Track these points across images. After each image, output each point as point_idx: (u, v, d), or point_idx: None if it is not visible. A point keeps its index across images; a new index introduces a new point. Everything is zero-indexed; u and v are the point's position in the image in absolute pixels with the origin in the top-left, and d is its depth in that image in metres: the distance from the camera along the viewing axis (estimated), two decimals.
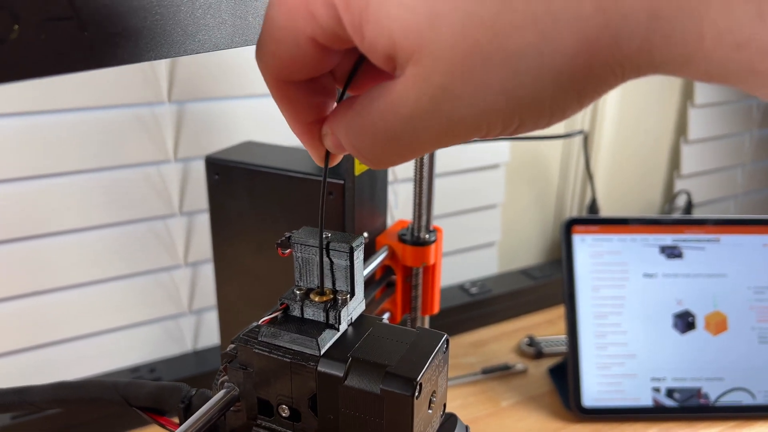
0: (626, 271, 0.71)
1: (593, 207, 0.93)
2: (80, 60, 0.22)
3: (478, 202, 0.87)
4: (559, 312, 0.89)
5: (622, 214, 1.03)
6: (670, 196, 1.06)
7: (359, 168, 0.47)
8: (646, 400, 0.69)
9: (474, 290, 0.87)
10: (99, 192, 0.62)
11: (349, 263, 0.29)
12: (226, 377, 0.30)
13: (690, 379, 0.69)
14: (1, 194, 0.58)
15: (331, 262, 0.30)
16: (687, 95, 1.00)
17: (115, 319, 0.66)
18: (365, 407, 0.27)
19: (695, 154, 1.03)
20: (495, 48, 0.18)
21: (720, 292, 0.71)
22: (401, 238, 0.52)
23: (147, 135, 0.62)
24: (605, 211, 0.99)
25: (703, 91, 0.99)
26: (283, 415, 0.29)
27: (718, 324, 0.71)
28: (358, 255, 0.30)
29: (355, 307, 0.30)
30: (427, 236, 0.52)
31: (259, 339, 0.29)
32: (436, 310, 0.55)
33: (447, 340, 0.30)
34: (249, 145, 0.57)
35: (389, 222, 0.56)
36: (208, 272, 0.69)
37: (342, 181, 0.47)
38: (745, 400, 0.69)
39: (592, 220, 0.73)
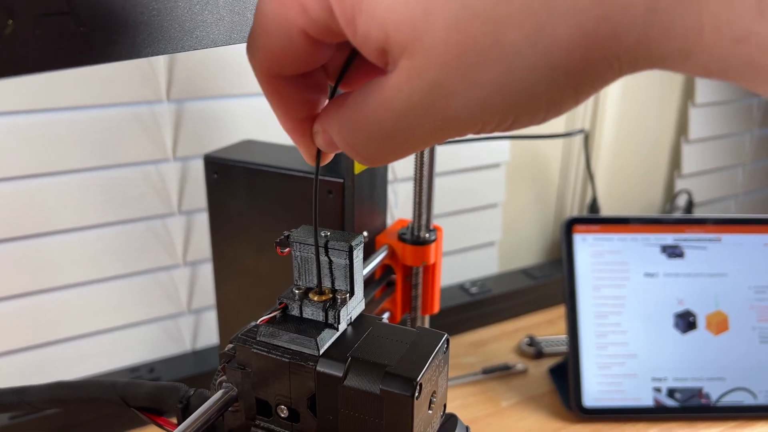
0: (627, 271, 0.71)
1: (594, 206, 0.93)
2: (76, 56, 0.21)
3: (479, 202, 0.86)
4: (559, 312, 0.89)
5: (623, 213, 1.02)
6: (670, 195, 1.06)
7: (359, 167, 0.47)
8: (646, 400, 0.68)
9: (474, 290, 0.86)
10: (98, 191, 0.61)
11: (348, 262, 0.29)
12: (224, 377, 0.30)
13: (691, 379, 0.69)
14: (0, 193, 0.58)
15: (330, 261, 0.29)
16: (688, 94, 1.00)
17: (113, 319, 0.66)
18: (365, 407, 0.27)
19: (696, 153, 1.03)
20: (490, 42, 0.18)
21: (721, 291, 0.71)
22: (401, 237, 0.51)
23: (146, 134, 0.62)
24: (606, 211, 0.99)
25: (703, 91, 0.98)
26: (282, 415, 0.29)
27: (719, 324, 0.70)
28: (358, 254, 0.29)
29: (354, 307, 0.30)
30: (427, 235, 0.51)
31: (258, 339, 0.29)
32: (436, 309, 0.54)
33: (447, 340, 0.29)
34: (248, 144, 0.56)
35: (389, 221, 0.55)
36: (206, 272, 0.69)
37: (341, 180, 0.47)
38: (746, 400, 0.69)
39: (593, 219, 0.72)
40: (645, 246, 0.72)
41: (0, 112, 0.56)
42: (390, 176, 0.76)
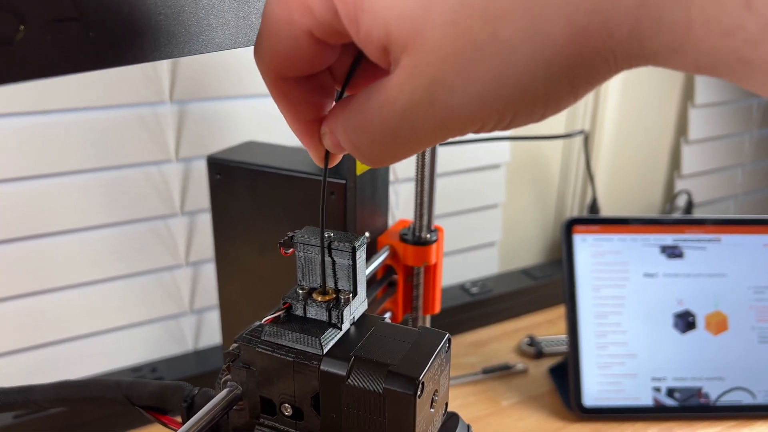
0: (627, 271, 0.72)
1: (594, 207, 0.93)
2: (85, 60, 0.22)
3: (479, 202, 0.87)
4: (559, 312, 0.89)
5: (623, 213, 1.03)
6: (670, 195, 1.06)
7: (361, 168, 0.48)
8: (646, 399, 0.69)
9: (475, 290, 0.87)
10: (101, 192, 0.62)
11: (351, 263, 0.29)
12: (228, 376, 0.31)
13: (690, 378, 0.69)
14: (4, 194, 0.58)
15: (334, 262, 0.30)
16: (687, 95, 1.00)
17: (116, 319, 0.67)
18: (368, 406, 0.27)
19: (695, 154, 1.03)
20: (486, 37, 0.18)
21: (720, 291, 0.71)
22: (403, 238, 0.52)
23: (148, 135, 0.62)
24: (606, 211, 0.99)
25: (703, 91, 0.99)
26: (286, 413, 0.30)
27: (718, 324, 0.71)
28: (361, 254, 0.30)
29: (357, 307, 0.31)
30: (428, 236, 0.52)
31: (262, 338, 0.29)
32: (437, 309, 0.55)
33: (449, 340, 0.30)
34: (250, 145, 0.57)
35: (390, 222, 0.56)
36: (208, 272, 0.70)
37: (344, 181, 0.48)
38: (745, 399, 0.69)
39: (593, 220, 0.73)
40: (645, 246, 0.72)
41: (4, 114, 0.56)
42: (391, 177, 0.76)
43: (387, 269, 0.53)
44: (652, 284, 0.71)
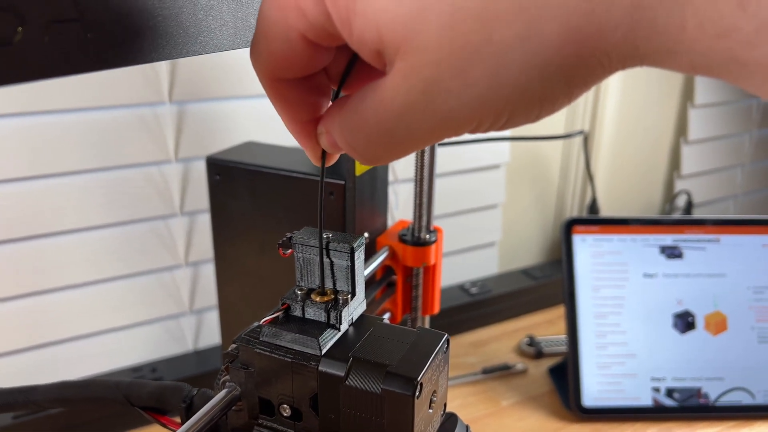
0: (626, 271, 0.72)
1: (593, 207, 0.93)
2: (84, 61, 0.22)
3: (479, 203, 0.87)
4: (559, 312, 0.89)
5: (622, 214, 1.03)
6: (670, 196, 1.06)
7: (360, 168, 0.48)
8: (646, 399, 0.69)
9: (474, 290, 0.87)
10: (100, 192, 0.62)
11: (350, 263, 0.29)
12: (227, 377, 0.31)
13: (690, 378, 0.69)
14: (4, 194, 0.58)
15: (332, 263, 0.30)
16: (687, 96, 1.00)
17: (116, 319, 0.67)
18: (366, 407, 0.27)
19: (695, 154, 1.03)
20: (482, 39, 0.18)
21: (720, 292, 0.72)
22: (402, 239, 0.52)
23: (148, 135, 0.62)
24: (605, 211, 0.99)
25: (702, 92, 0.99)
26: (285, 414, 0.30)
27: (717, 324, 0.71)
28: (359, 255, 0.30)
29: (356, 308, 0.31)
30: (427, 236, 0.52)
31: (261, 339, 0.29)
32: (436, 310, 0.55)
33: (447, 340, 0.30)
34: (250, 146, 0.57)
35: (389, 222, 0.56)
36: (208, 272, 0.70)
37: (343, 182, 0.48)
38: (744, 399, 0.69)
39: (593, 220, 0.73)
40: (644, 247, 0.72)
41: (3, 114, 0.56)
42: (390, 177, 0.76)
43: (386, 270, 0.53)
44: (651, 284, 0.71)
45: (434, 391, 0.29)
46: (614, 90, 0.93)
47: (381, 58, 0.20)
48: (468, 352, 0.81)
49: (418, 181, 0.51)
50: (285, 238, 0.30)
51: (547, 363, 0.77)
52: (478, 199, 0.86)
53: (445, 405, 0.31)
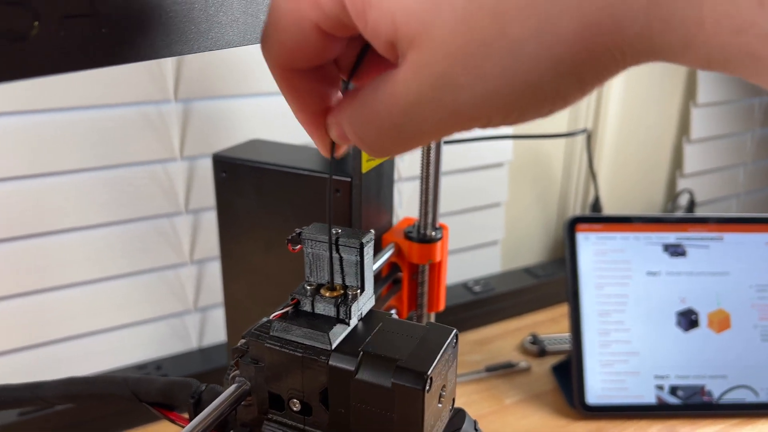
0: (629, 269, 0.72)
1: (596, 205, 0.93)
2: (98, 57, 0.22)
3: (482, 201, 0.87)
4: (562, 310, 0.89)
5: (625, 212, 1.03)
6: (672, 194, 1.06)
7: (366, 165, 0.48)
8: (649, 397, 0.69)
9: (477, 288, 0.87)
10: (106, 190, 0.62)
11: (359, 258, 0.30)
12: (237, 372, 0.31)
13: (693, 376, 0.69)
14: (11, 192, 0.58)
15: (341, 258, 0.30)
16: (689, 94, 1.00)
17: (121, 317, 0.67)
18: (376, 401, 0.27)
19: (698, 153, 1.03)
20: (495, 34, 0.18)
21: (723, 290, 0.72)
22: (407, 236, 0.52)
23: (153, 133, 0.63)
24: (608, 210, 0.99)
25: (705, 90, 0.99)
26: (294, 409, 0.30)
27: (721, 322, 0.71)
28: (368, 251, 0.30)
29: (365, 302, 0.31)
30: (433, 233, 0.52)
31: (271, 334, 0.29)
32: (441, 307, 0.55)
33: (456, 335, 0.30)
34: (255, 143, 0.57)
35: (393, 220, 0.56)
36: (213, 270, 0.70)
37: (349, 179, 0.48)
38: (748, 397, 0.69)
39: (596, 218, 0.73)
40: (647, 245, 0.72)
41: (9, 112, 0.56)
42: (395, 176, 0.76)
43: (392, 267, 0.53)
44: (654, 282, 0.71)
45: (443, 386, 0.29)
46: (617, 88, 0.93)
47: (394, 49, 0.21)
48: (471, 350, 0.81)
49: (424, 178, 0.51)
50: (294, 234, 0.30)
51: (550, 361, 0.78)
52: (481, 197, 0.87)
53: (453, 400, 0.31)
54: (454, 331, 0.30)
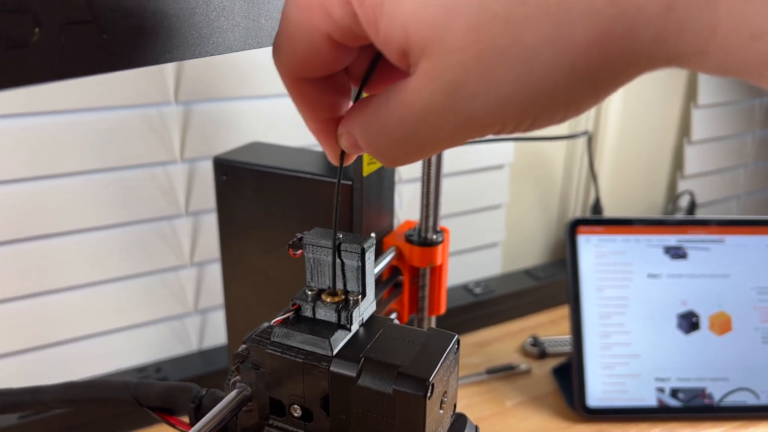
0: (630, 272, 0.72)
1: (597, 207, 0.93)
2: (99, 63, 0.22)
3: (482, 203, 0.87)
4: (562, 312, 0.89)
5: (626, 214, 1.03)
6: (673, 196, 1.06)
7: (367, 168, 0.48)
8: (650, 400, 0.69)
9: (478, 290, 0.87)
10: (106, 192, 0.62)
11: (360, 264, 0.29)
12: (238, 377, 0.31)
13: (694, 379, 0.69)
14: (12, 194, 0.58)
15: (343, 263, 0.30)
16: (690, 96, 1.00)
17: (121, 319, 0.67)
18: (377, 407, 0.27)
19: (698, 154, 1.03)
20: (509, 42, 0.18)
21: (724, 292, 0.72)
22: (408, 239, 0.52)
23: (154, 135, 0.62)
24: (609, 212, 0.99)
25: (706, 92, 0.99)
26: (295, 415, 0.30)
27: (722, 324, 0.71)
28: (369, 256, 0.30)
29: (366, 308, 0.31)
30: (434, 237, 0.52)
31: (272, 339, 0.29)
32: (442, 310, 0.55)
33: (458, 341, 0.30)
34: (256, 146, 0.57)
35: (394, 223, 0.56)
36: (213, 272, 0.70)
37: (350, 182, 0.48)
38: (749, 400, 0.69)
39: (597, 220, 0.73)
40: (648, 247, 0.72)
41: (9, 114, 0.56)
42: (395, 178, 0.76)
43: (393, 270, 0.53)
44: (655, 285, 0.71)
45: (445, 392, 0.29)
46: (618, 91, 0.93)
47: (406, 58, 0.20)
48: (472, 352, 0.81)
49: (425, 181, 0.51)
50: (296, 239, 0.30)
51: (551, 363, 0.77)
52: (481, 199, 0.86)
53: (455, 405, 0.31)
54: (456, 336, 0.30)
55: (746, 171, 1.10)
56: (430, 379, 0.26)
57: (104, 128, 0.60)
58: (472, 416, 0.33)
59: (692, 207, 1.01)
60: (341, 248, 0.29)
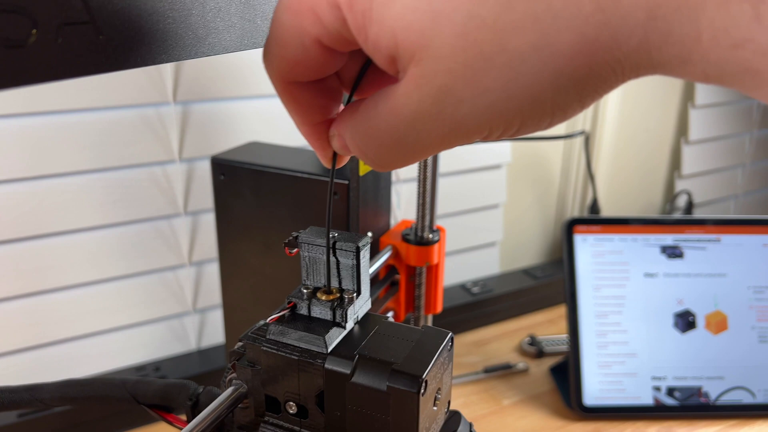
0: (627, 271, 0.72)
1: (594, 207, 0.94)
2: (96, 63, 0.22)
3: (480, 202, 0.87)
4: (560, 311, 0.90)
5: (623, 214, 1.03)
6: (670, 196, 1.06)
7: (364, 168, 0.48)
8: (646, 398, 0.69)
9: (476, 290, 0.87)
10: (104, 192, 0.62)
11: (355, 262, 0.30)
12: (234, 374, 0.31)
13: (690, 378, 0.70)
14: (11, 193, 0.58)
15: (338, 262, 0.30)
16: (688, 96, 1.00)
17: (119, 318, 0.67)
18: (372, 404, 0.28)
19: (696, 154, 1.03)
20: (496, 49, 0.19)
21: (720, 291, 0.72)
22: (405, 238, 0.52)
23: (152, 135, 0.63)
24: (606, 211, 0.99)
25: (703, 92, 0.99)
26: (291, 411, 0.30)
27: (718, 323, 0.71)
28: (365, 254, 0.30)
29: (361, 306, 0.31)
30: (430, 236, 0.52)
31: (268, 337, 0.29)
32: (439, 309, 0.55)
33: (452, 338, 0.30)
34: (254, 146, 0.57)
35: (391, 222, 0.56)
36: (211, 271, 0.70)
37: (346, 182, 0.48)
38: (745, 398, 0.69)
39: (594, 220, 0.73)
40: (645, 246, 0.73)
41: (8, 114, 0.57)
42: (393, 177, 0.76)
43: (389, 269, 0.53)
44: (652, 284, 0.72)
45: (438, 389, 0.29)
46: (615, 90, 0.93)
47: (395, 64, 0.21)
48: (469, 351, 0.81)
49: (422, 180, 0.51)
50: (291, 238, 0.30)
51: (548, 362, 0.78)
52: (479, 199, 0.87)
53: (449, 402, 0.32)
54: (450, 334, 0.30)
55: (743, 171, 1.10)
56: (424, 375, 0.27)
57: (103, 128, 0.60)
58: (469, 415, 0.33)
59: (690, 207, 1.01)
60: (336, 246, 0.30)
